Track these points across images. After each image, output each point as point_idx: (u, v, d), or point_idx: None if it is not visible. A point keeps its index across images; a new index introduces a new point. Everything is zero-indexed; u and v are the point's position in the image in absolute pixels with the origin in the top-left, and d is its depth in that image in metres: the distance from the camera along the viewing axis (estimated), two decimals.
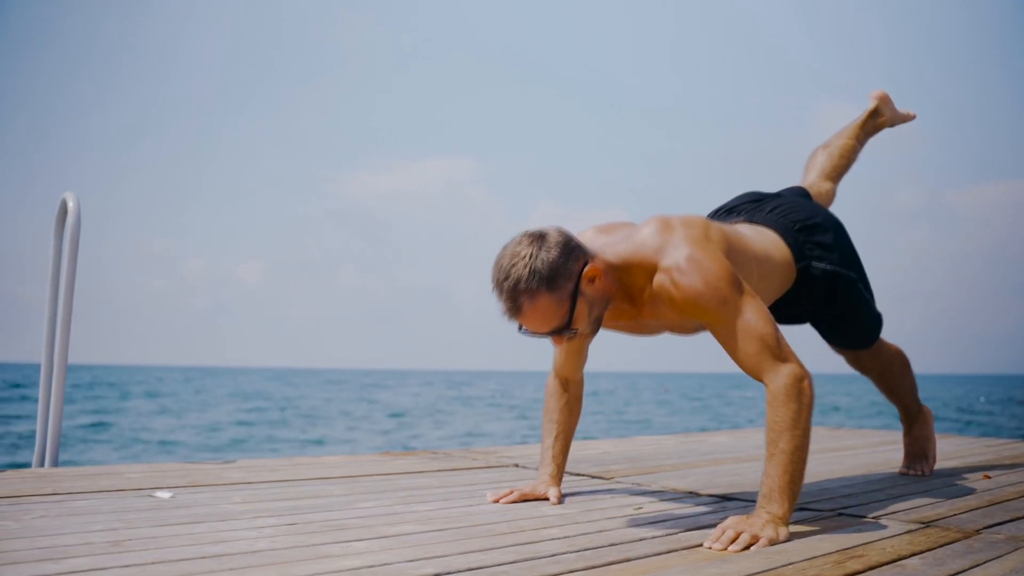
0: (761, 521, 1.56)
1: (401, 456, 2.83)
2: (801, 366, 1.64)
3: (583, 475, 2.44)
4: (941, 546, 1.53)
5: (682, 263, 1.63)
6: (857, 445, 3.36)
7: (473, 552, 1.41)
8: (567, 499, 2.01)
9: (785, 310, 2.09)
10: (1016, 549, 1.51)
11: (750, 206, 2.12)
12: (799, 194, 2.26)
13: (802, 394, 1.60)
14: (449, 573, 1.28)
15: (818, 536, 1.59)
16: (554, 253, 1.56)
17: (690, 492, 2.15)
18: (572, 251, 1.60)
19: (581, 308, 1.60)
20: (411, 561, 1.35)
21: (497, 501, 1.94)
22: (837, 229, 2.11)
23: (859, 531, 1.65)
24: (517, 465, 2.64)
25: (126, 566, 1.27)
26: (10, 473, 2.18)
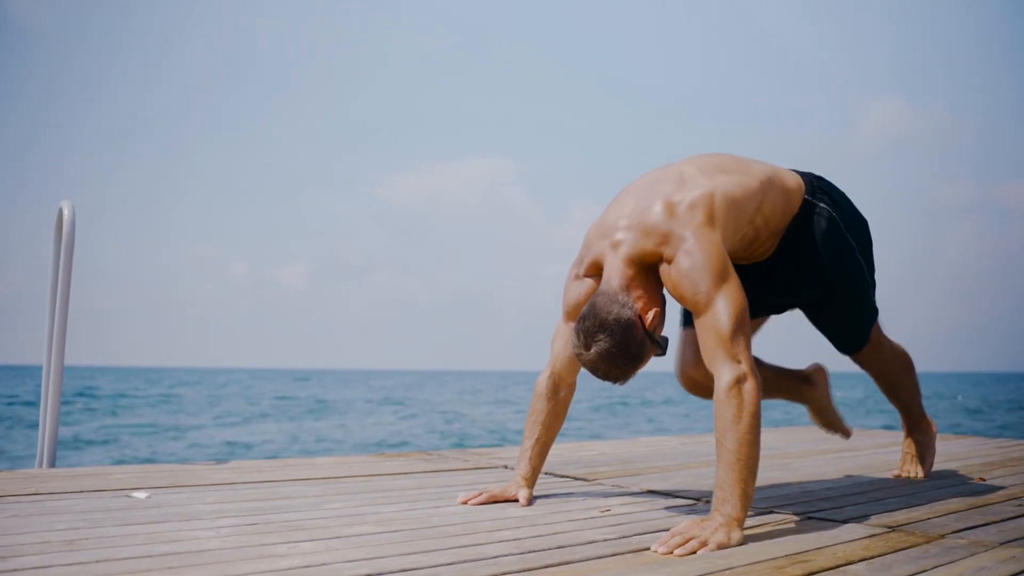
0: (714, 525, 1.55)
1: (392, 457, 2.86)
2: (750, 368, 1.63)
3: (566, 476, 2.44)
4: (897, 551, 1.50)
5: (678, 254, 1.70)
6: (861, 446, 3.31)
7: (415, 554, 1.43)
8: (538, 500, 2.01)
9: (788, 247, 2.00)
10: (971, 555, 1.48)
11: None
12: None
13: (742, 393, 1.60)
14: (382, 574, 1.30)
15: (772, 540, 1.58)
16: (626, 341, 1.68)
17: (667, 494, 2.14)
18: (630, 322, 1.68)
19: (658, 331, 1.77)
20: (350, 562, 1.36)
21: (466, 503, 1.95)
22: (850, 204, 2.12)
23: (819, 535, 1.63)
24: (506, 467, 2.64)
25: (70, 564, 1.31)
26: (2, 474, 2.24)
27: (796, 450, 3.19)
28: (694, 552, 1.47)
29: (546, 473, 2.48)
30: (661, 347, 1.77)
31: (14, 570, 1.27)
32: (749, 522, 1.75)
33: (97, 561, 1.33)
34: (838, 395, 2.46)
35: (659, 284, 1.76)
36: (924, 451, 2.47)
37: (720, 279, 1.67)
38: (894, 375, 2.35)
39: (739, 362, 1.63)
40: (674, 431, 16.76)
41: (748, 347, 1.66)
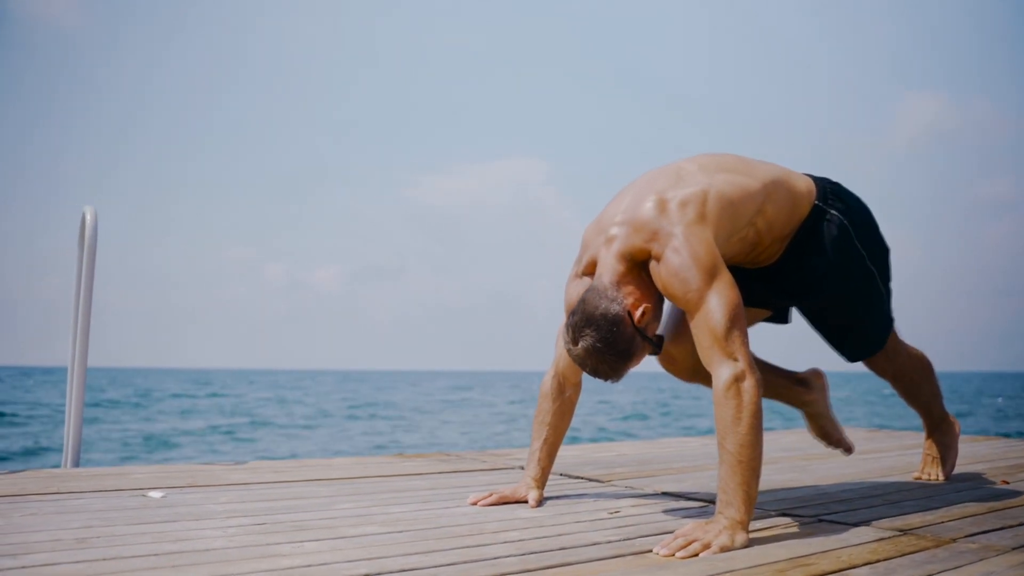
0: (718, 528, 1.54)
1: (410, 458, 2.87)
2: (748, 365, 1.61)
3: (581, 478, 2.44)
4: (904, 555, 1.48)
5: (667, 251, 1.68)
6: (887, 448, 3.26)
7: (417, 554, 1.44)
8: (549, 502, 2.01)
9: (795, 254, 1.96)
10: (981, 559, 1.45)
11: None
12: None
13: (741, 392, 1.58)
14: (381, 574, 1.31)
15: (776, 543, 1.56)
16: (613, 336, 1.66)
17: (680, 496, 2.13)
18: (620, 319, 1.67)
19: (652, 328, 1.74)
20: (351, 561, 1.38)
21: (475, 504, 1.96)
22: (865, 211, 2.06)
23: (826, 538, 1.61)
24: (523, 468, 2.64)
25: (78, 561, 1.34)
26: (28, 473, 2.30)
27: (817, 451, 3.14)
28: (696, 555, 1.46)
29: (561, 474, 2.48)
30: (654, 345, 1.75)
31: (23, 567, 1.31)
32: (757, 524, 1.74)
33: (104, 559, 1.36)
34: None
35: (652, 281, 1.75)
36: (946, 452, 2.42)
37: (711, 276, 1.65)
38: (911, 381, 2.29)
39: (736, 359, 1.61)
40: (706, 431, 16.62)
41: (745, 343, 1.64)
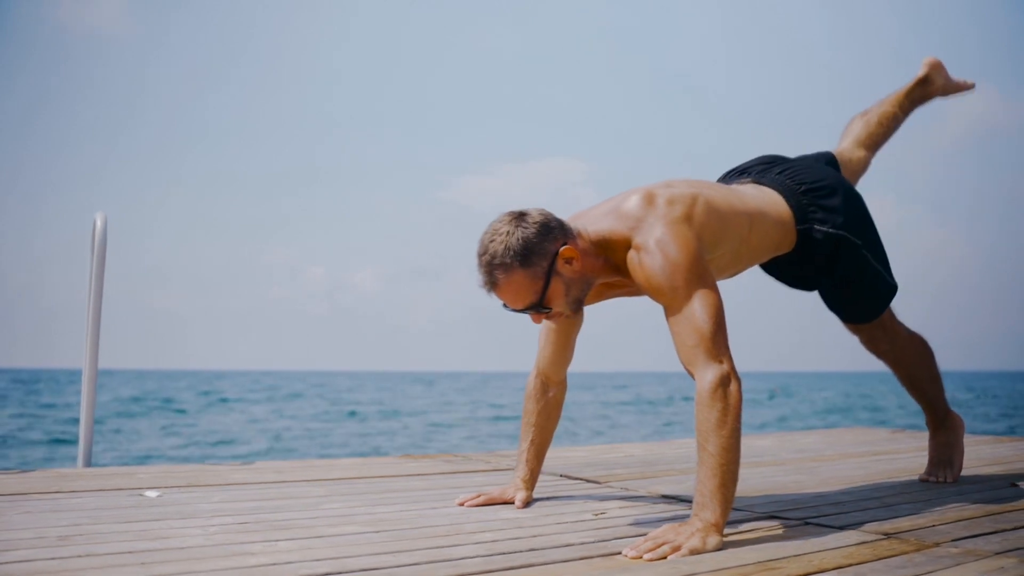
0: (690, 530, 1.53)
1: (417, 459, 2.90)
2: (733, 368, 1.60)
3: (579, 479, 2.44)
4: (879, 559, 1.45)
5: (650, 243, 1.67)
6: (904, 449, 3.19)
7: (383, 554, 1.45)
8: (537, 503, 2.02)
9: (788, 270, 2.06)
10: (957, 564, 1.42)
11: (761, 168, 2.09)
12: (823, 160, 2.21)
13: (727, 395, 1.57)
14: (339, 573, 1.32)
15: (750, 546, 1.54)
16: (531, 231, 1.63)
17: (673, 498, 2.12)
18: (550, 231, 1.65)
19: (556, 287, 1.67)
20: (315, 560, 1.40)
21: (462, 504, 1.97)
22: (848, 193, 2.03)
23: (805, 541, 1.59)
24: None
25: (53, 558, 1.38)
26: (38, 472, 2.37)
27: (831, 453, 3.10)
28: (664, 557, 1.45)
29: (560, 475, 2.48)
30: (571, 302, 1.69)
31: (2, 563, 1.35)
32: (740, 527, 1.72)
33: (78, 556, 1.40)
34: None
35: (609, 270, 1.73)
36: (952, 452, 2.37)
37: (696, 274, 1.64)
38: (912, 365, 2.27)
39: (721, 362, 1.60)
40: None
41: (728, 347, 1.62)
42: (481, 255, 1.65)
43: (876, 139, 2.33)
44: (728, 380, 1.58)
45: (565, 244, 1.66)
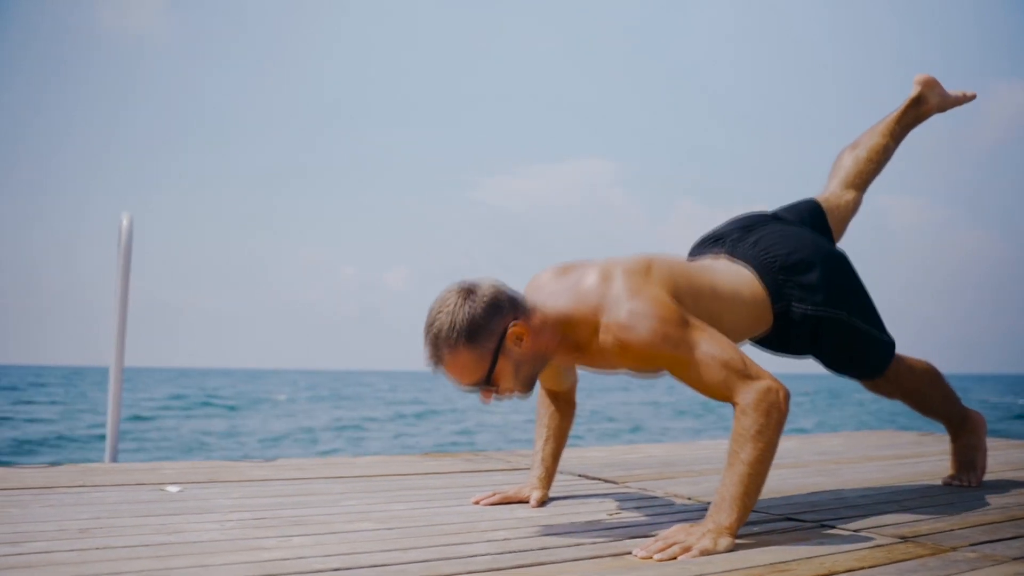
0: (702, 531, 1.52)
1: (436, 457, 2.91)
2: (775, 380, 1.58)
3: (597, 479, 2.43)
4: (891, 563, 1.44)
5: (623, 318, 1.58)
6: (930, 453, 3.14)
7: (394, 550, 1.47)
8: (553, 503, 2.02)
9: (774, 346, 1.97)
10: (973, 569, 1.40)
11: (737, 234, 1.98)
12: (807, 212, 2.10)
13: (773, 407, 1.55)
14: (350, 568, 1.34)
15: (761, 548, 1.53)
16: (478, 308, 1.55)
17: (690, 498, 2.11)
18: (499, 308, 1.58)
19: (504, 366, 1.59)
20: (327, 556, 1.41)
21: (478, 503, 1.98)
22: (827, 264, 1.92)
23: (819, 544, 1.58)
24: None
25: (72, 550, 1.42)
26: (64, 467, 2.42)
27: (855, 455, 3.06)
28: (674, 558, 1.45)
29: (579, 475, 2.49)
30: (522, 381, 1.62)
31: (20, 554, 1.39)
32: (754, 529, 1.71)
33: (96, 548, 1.43)
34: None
35: (567, 348, 1.67)
36: (973, 454, 2.33)
37: (685, 321, 1.59)
38: (921, 394, 2.21)
39: (761, 377, 1.58)
40: None
41: (755, 363, 1.61)
42: (427, 330, 1.58)
43: (867, 176, 2.20)
44: (776, 391, 1.56)
45: (516, 321, 1.59)
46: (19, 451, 11.93)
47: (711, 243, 2.01)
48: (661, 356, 1.60)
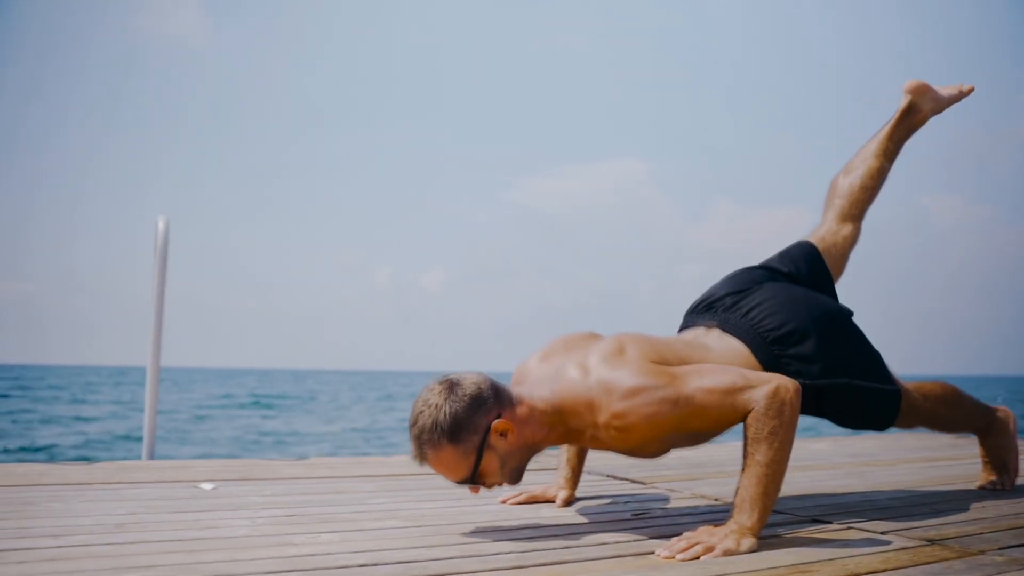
0: (725, 531, 1.53)
1: None
2: (780, 378, 1.58)
3: (625, 479, 2.44)
4: (916, 565, 1.43)
5: (617, 407, 1.56)
6: (963, 456, 3.09)
7: (419, 548, 1.49)
8: (579, 502, 2.03)
9: None
10: (1000, 573, 1.39)
11: (730, 299, 1.94)
12: (803, 258, 2.05)
13: (784, 406, 1.55)
14: (376, 565, 1.37)
15: (784, 549, 1.53)
16: (461, 406, 1.55)
17: (716, 499, 2.11)
18: (483, 403, 1.57)
19: (489, 461, 1.59)
20: (354, 552, 1.45)
21: (504, 502, 2.00)
22: (820, 329, 1.85)
23: (842, 546, 1.57)
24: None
25: (108, 544, 1.46)
26: (103, 464, 2.49)
27: (888, 458, 3.03)
28: (697, 557, 1.46)
29: (607, 476, 2.50)
30: (508, 474, 1.62)
31: (60, 547, 1.44)
32: (777, 530, 1.71)
33: (132, 543, 1.48)
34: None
35: (558, 436, 1.67)
36: (1005, 454, 2.29)
37: (671, 377, 1.58)
38: (941, 417, 2.14)
39: (764, 382, 1.57)
40: None
41: (754, 373, 1.60)
42: (411, 428, 1.58)
43: (863, 206, 2.15)
44: (786, 389, 1.56)
45: (500, 416, 1.58)
46: (88, 448, 12.11)
47: (703, 310, 1.96)
48: (667, 423, 1.57)
